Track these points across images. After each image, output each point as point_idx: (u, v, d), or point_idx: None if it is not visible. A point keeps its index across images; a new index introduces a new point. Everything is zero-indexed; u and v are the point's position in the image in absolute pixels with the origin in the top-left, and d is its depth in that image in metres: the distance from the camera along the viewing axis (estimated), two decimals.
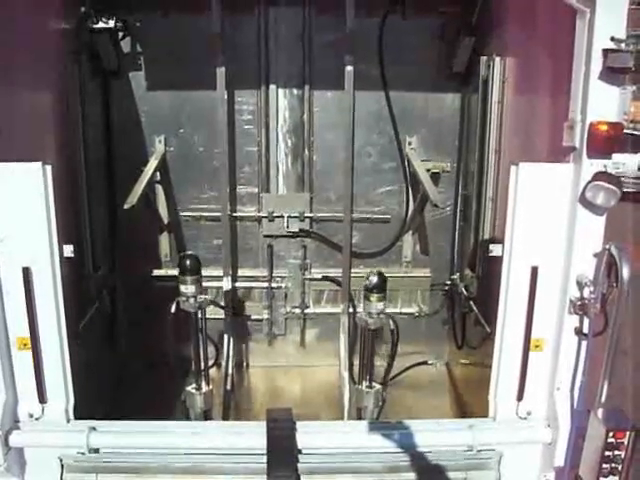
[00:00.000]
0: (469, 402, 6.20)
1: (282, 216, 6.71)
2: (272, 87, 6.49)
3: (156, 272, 6.78)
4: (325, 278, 6.97)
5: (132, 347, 6.86)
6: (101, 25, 5.81)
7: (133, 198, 5.55)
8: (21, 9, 4.51)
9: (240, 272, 6.91)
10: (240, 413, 6.33)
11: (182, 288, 5.34)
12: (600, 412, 4.00)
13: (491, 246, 4.77)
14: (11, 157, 4.09)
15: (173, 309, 5.41)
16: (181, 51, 6.22)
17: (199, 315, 5.50)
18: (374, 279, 5.38)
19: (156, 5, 6.11)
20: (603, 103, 3.87)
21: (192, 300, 5.36)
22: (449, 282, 6.91)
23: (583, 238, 4.11)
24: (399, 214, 6.84)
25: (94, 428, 4.47)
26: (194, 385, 5.61)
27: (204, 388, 5.60)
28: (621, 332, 3.95)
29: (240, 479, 4.52)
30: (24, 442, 4.46)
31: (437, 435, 4.61)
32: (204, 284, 6.52)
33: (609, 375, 4.00)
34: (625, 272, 3.86)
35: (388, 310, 6.69)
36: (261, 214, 6.77)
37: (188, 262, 5.32)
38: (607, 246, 4.01)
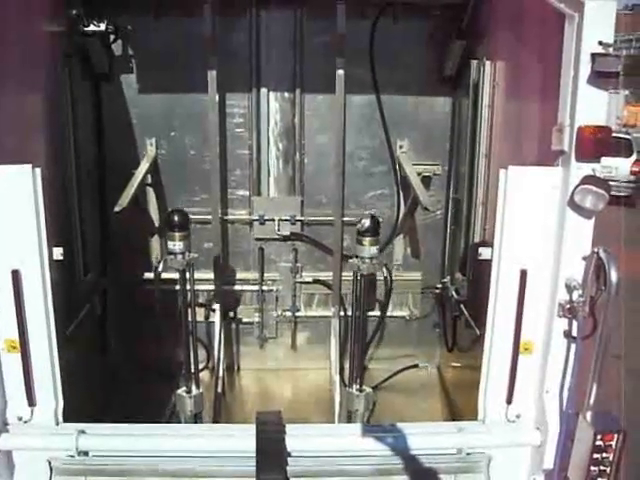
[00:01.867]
0: (459, 405, 6.20)
1: (273, 219, 6.70)
2: (263, 90, 6.49)
3: (147, 275, 6.76)
4: (316, 281, 6.96)
5: (122, 350, 6.84)
6: (92, 28, 5.80)
7: (124, 201, 5.54)
8: (12, 12, 4.51)
9: (231, 275, 6.91)
10: (230, 416, 6.32)
11: (170, 245, 5.24)
12: (589, 415, 4.03)
13: (480, 249, 4.78)
14: (1, 159, 4.09)
15: (161, 267, 5.35)
16: (172, 54, 6.21)
17: (187, 275, 5.41)
18: (366, 222, 5.35)
19: (147, 8, 6.11)
20: (591, 107, 3.90)
21: (180, 257, 5.26)
22: (440, 285, 6.92)
23: (572, 241, 4.13)
24: (390, 217, 6.85)
25: (83, 431, 4.46)
26: (184, 388, 5.60)
27: (194, 391, 5.60)
28: (610, 335, 3.97)
29: None
30: (13, 445, 4.45)
31: (427, 438, 4.61)
32: (195, 287, 6.57)
33: (598, 378, 4.02)
34: (613, 275, 3.89)
35: (379, 313, 6.78)
36: (252, 217, 6.75)
37: (176, 218, 5.23)
38: (596, 249, 4.03)
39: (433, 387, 7.08)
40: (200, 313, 6.79)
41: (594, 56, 3.76)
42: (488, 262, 4.54)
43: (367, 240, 5.38)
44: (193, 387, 5.60)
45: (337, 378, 6.25)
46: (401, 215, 6.81)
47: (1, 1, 4.34)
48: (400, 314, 7.07)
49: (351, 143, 6.56)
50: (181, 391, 5.61)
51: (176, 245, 5.23)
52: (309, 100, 6.56)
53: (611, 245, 4.07)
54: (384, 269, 5.54)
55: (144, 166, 6.29)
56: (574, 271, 4.14)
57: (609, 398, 4.35)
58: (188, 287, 5.73)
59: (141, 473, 4.49)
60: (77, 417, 4.63)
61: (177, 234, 5.23)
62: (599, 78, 3.81)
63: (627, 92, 4.27)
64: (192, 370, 5.59)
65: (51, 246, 4.34)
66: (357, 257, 5.52)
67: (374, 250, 5.41)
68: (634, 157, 23.23)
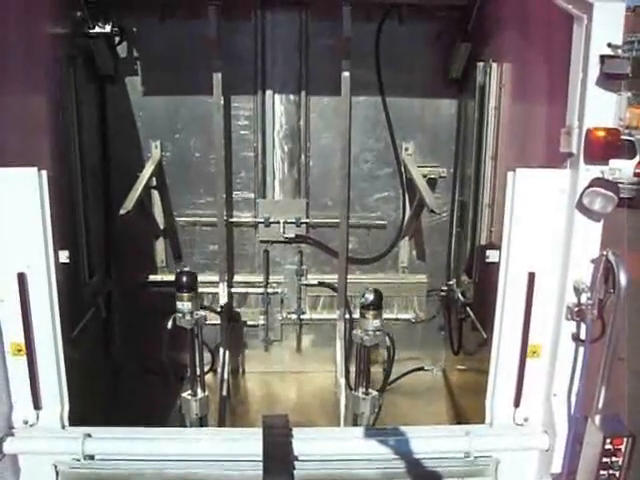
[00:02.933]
0: (466, 408, 6.18)
1: (278, 222, 6.69)
2: (268, 92, 6.48)
3: (152, 278, 6.77)
4: (321, 284, 6.95)
5: (127, 353, 6.83)
6: (97, 30, 5.83)
7: (129, 204, 5.53)
8: (16, 13, 4.50)
9: (236, 278, 6.89)
10: (236, 419, 6.30)
11: (179, 305, 5.35)
12: (597, 418, 4.00)
13: (488, 252, 4.76)
14: (6, 162, 4.08)
15: (170, 325, 5.42)
16: (177, 56, 6.21)
17: (195, 331, 5.49)
18: (370, 296, 5.40)
19: (153, 10, 6.11)
20: (600, 109, 3.87)
21: (189, 316, 5.37)
22: (446, 288, 6.90)
23: (580, 244, 4.11)
24: (395, 220, 6.84)
25: (89, 435, 4.44)
26: (190, 391, 5.58)
27: (200, 394, 5.57)
28: (618, 338, 3.95)
29: None
30: (18, 449, 4.43)
31: (434, 441, 4.59)
32: (200, 289, 6.56)
33: (607, 381, 4.00)
34: (622, 278, 3.86)
35: (385, 316, 6.76)
36: (257, 220, 6.74)
37: (185, 278, 5.34)
38: (604, 252, 4.02)
39: (439, 390, 7.07)
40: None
41: (603, 58, 3.74)
42: (494, 264, 4.52)
43: (371, 314, 5.43)
44: (198, 390, 5.58)
45: (342, 381, 6.24)
46: (407, 217, 6.78)
47: (6, 3, 4.34)
48: (405, 317, 7.06)
49: (356, 145, 6.55)
50: (186, 394, 5.59)
51: (184, 305, 5.35)
52: (314, 102, 6.55)
53: (615, 247, 4.06)
54: (387, 338, 5.64)
55: (149, 168, 6.28)
56: (582, 274, 4.12)
57: (615, 401, 4.31)
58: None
59: (147, 477, 4.48)
60: (82, 420, 4.62)
61: (185, 295, 5.34)
62: (608, 80, 3.79)
63: (630, 94, 4.25)
64: (197, 373, 5.58)
65: (57, 249, 4.33)
66: (360, 329, 5.55)
67: (377, 323, 5.47)
68: (637, 159, 23.23)
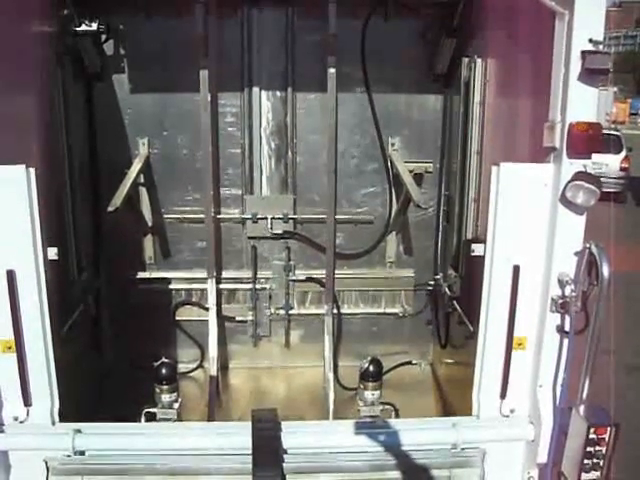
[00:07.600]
0: (453, 401, 6.23)
1: (266, 218, 6.70)
2: (255, 89, 6.50)
3: (140, 274, 6.78)
4: (309, 279, 6.97)
5: (117, 349, 6.84)
6: (84, 28, 5.79)
7: (117, 200, 5.54)
8: (3, 11, 4.51)
9: (224, 274, 6.90)
10: (225, 414, 6.33)
11: (158, 397, 5.54)
12: (582, 409, 4.07)
13: (473, 246, 4.80)
14: None
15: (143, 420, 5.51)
16: (164, 53, 6.22)
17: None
18: (371, 367, 5.70)
19: (139, 7, 6.11)
20: (582, 104, 3.93)
21: (169, 409, 5.53)
22: (432, 282, 6.94)
23: (564, 237, 4.16)
24: (382, 215, 6.87)
25: (79, 430, 4.46)
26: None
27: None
28: (602, 330, 4.01)
29: (225, 479, 4.54)
30: (9, 445, 4.45)
31: (421, 433, 4.64)
32: (188, 286, 6.58)
33: (590, 372, 4.06)
34: (605, 270, 3.92)
35: (372, 310, 6.84)
36: (245, 216, 6.75)
37: (164, 371, 5.53)
38: (587, 245, 4.07)
39: (427, 383, 7.11)
40: (194, 312, 6.82)
41: (584, 53, 3.80)
42: (480, 258, 4.56)
43: (370, 385, 5.73)
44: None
45: (331, 375, 6.28)
46: (393, 212, 6.82)
47: None
48: (393, 311, 7.09)
49: (343, 141, 6.58)
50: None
51: (165, 398, 5.53)
52: (301, 99, 6.57)
53: (602, 241, 4.11)
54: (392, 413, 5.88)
55: (137, 166, 6.29)
56: (566, 266, 4.18)
57: (601, 394, 4.37)
58: (179, 286, 6.12)
59: (138, 472, 4.50)
60: (72, 416, 4.63)
61: (165, 387, 5.54)
62: (589, 75, 3.84)
63: (616, 89, 4.31)
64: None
65: (46, 246, 4.35)
66: (360, 400, 5.79)
67: (377, 394, 5.73)
68: (623, 153, 23.40)
